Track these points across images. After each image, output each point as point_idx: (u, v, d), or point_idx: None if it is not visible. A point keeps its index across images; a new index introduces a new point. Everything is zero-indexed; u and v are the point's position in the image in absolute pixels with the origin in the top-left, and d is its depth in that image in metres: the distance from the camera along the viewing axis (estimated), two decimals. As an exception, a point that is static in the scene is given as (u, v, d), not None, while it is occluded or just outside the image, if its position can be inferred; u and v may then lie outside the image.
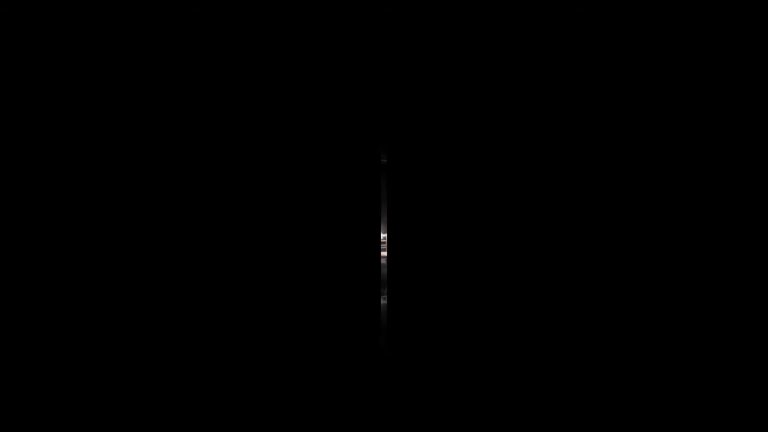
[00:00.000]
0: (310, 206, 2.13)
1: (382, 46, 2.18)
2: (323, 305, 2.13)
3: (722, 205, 2.06)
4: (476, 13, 2.16)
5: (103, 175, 2.01)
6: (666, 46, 2.10)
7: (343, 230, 2.15)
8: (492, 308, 2.16)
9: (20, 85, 1.96)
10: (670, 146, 2.10)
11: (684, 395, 2.05)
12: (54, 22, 1.97)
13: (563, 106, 2.17)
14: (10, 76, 1.95)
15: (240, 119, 2.10)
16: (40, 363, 1.97)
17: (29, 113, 1.97)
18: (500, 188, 2.18)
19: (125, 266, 2.02)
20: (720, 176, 2.07)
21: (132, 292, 2.02)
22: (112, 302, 2.01)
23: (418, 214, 2.20)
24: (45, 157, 1.98)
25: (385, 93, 2.20)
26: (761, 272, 2.02)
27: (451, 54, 2.19)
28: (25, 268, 1.96)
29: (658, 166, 2.11)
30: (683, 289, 2.07)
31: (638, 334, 2.09)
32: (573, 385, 2.11)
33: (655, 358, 2.07)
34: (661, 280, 2.08)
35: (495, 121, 2.19)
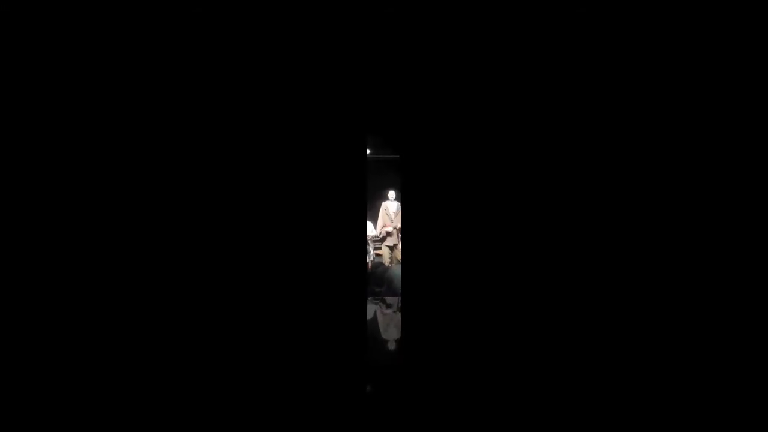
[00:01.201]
0: (295, 200, 2.11)
1: (381, 44, 2.20)
2: (309, 299, 2.11)
3: (721, 205, 1.98)
4: (477, 12, 2.18)
5: (94, 173, 2.06)
6: (666, 46, 2.07)
7: (329, 223, 2.11)
8: (510, 309, 2.11)
9: (20, 85, 2.01)
10: (688, 145, 2.03)
11: (684, 394, 1.95)
12: (54, 22, 2.02)
13: (566, 103, 2.14)
14: (10, 76, 2.00)
15: (231, 111, 2.15)
16: (39, 362, 2.00)
17: (29, 113, 2.02)
18: (514, 184, 2.16)
19: (104, 263, 2.07)
20: (719, 176, 1.99)
21: (105, 289, 2.06)
22: (92, 303, 2.05)
23: (433, 210, 2.16)
24: (45, 157, 2.03)
25: (390, 89, 2.21)
26: (760, 272, 1.92)
27: (459, 51, 2.20)
28: (25, 268, 2.01)
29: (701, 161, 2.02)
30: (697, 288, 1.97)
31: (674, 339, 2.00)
32: (583, 385, 2.00)
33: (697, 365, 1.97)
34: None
35: (506, 118, 2.18)
